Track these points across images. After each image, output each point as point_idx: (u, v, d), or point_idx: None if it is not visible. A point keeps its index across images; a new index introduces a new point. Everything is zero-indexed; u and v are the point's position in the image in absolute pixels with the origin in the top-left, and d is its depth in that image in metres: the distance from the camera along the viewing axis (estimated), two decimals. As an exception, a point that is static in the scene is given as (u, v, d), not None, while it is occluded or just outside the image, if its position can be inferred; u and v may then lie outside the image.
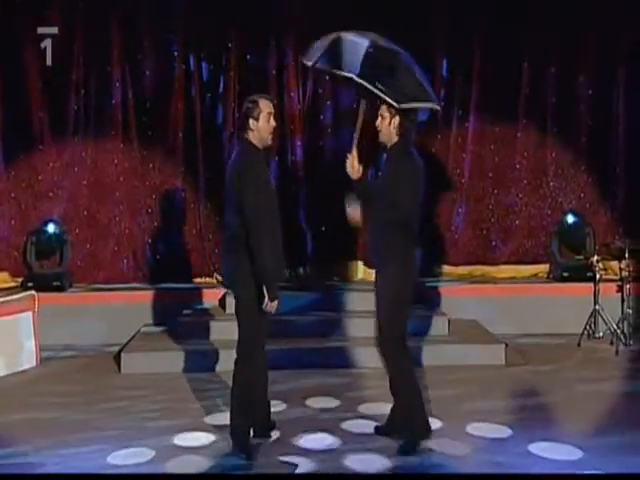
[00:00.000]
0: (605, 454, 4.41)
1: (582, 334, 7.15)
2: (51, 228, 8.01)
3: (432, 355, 6.43)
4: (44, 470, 4.31)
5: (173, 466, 4.36)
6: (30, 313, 6.69)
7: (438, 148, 8.48)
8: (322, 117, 8.48)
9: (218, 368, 6.27)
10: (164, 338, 7.01)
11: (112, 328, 7.34)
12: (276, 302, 4.37)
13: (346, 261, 8.45)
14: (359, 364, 6.32)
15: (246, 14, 8.17)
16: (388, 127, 4.50)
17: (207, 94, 8.52)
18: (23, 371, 6.49)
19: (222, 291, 7.46)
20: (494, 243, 8.55)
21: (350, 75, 4.40)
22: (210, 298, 7.72)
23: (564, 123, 8.42)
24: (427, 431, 4.61)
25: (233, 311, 4.56)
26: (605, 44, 8.23)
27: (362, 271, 8.29)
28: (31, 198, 8.27)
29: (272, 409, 4.88)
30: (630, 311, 7.09)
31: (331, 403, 5.50)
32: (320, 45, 4.54)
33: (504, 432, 4.84)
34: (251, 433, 4.57)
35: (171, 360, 6.43)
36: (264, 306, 4.35)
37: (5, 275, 8.12)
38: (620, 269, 7.18)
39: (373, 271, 4.67)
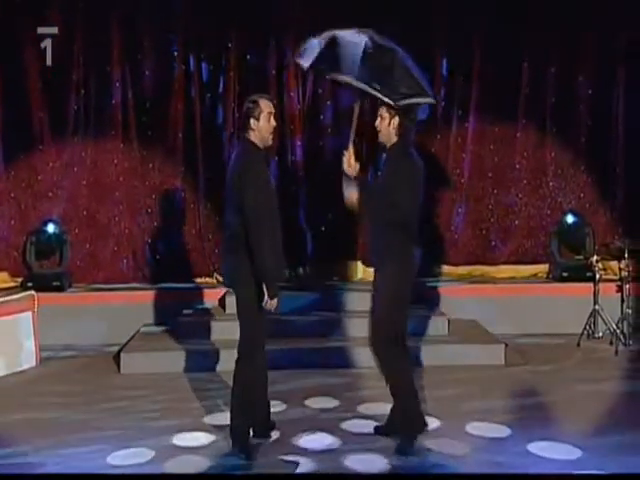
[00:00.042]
0: (604, 454, 4.41)
1: (582, 334, 7.15)
2: (51, 228, 8.01)
3: (432, 355, 6.44)
4: (44, 470, 4.31)
5: (173, 466, 4.36)
6: (30, 313, 6.70)
7: (438, 148, 8.48)
8: (322, 117, 8.48)
9: (218, 368, 6.27)
10: (164, 338, 7.02)
11: (112, 328, 7.35)
12: (276, 300, 4.38)
13: (346, 261, 8.46)
14: (359, 364, 6.32)
15: (246, 14, 8.18)
16: (387, 127, 4.51)
17: (207, 94, 8.52)
18: (23, 371, 6.49)
19: (222, 291, 7.47)
20: (494, 243, 8.55)
21: (349, 80, 4.39)
22: (210, 298, 7.73)
23: (564, 123, 8.42)
24: (423, 426, 4.61)
25: (233, 311, 4.58)
26: (605, 44, 8.23)
27: (362, 271, 8.30)
28: (31, 198, 8.27)
29: (272, 409, 4.89)
30: (630, 311, 7.09)
31: (331, 403, 5.50)
32: (315, 44, 4.48)
33: (503, 432, 4.84)
34: (251, 433, 4.57)
35: (171, 360, 6.43)
36: (264, 304, 4.36)
37: (5, 275, 8.12)
38: (620, 269, 7.19)
39: (372, 271, 4.68)
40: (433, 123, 8.31)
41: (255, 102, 4.47)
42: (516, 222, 8.51)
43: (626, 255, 7.07)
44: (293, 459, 4.41)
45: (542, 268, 8.41)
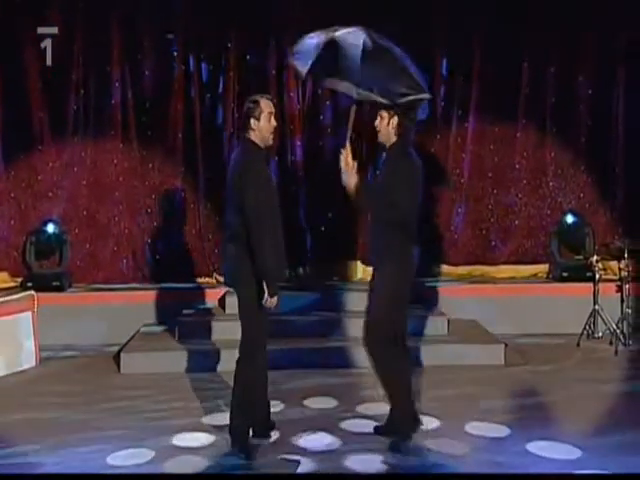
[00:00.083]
0: (604, 454, 4.41)
1: (581, 334, 7.15)
2: (50, 228, 8.01)
3: (431, 355, 6.44)
4: (44, 470, 4.31)
5: (173, 466, 4.36)
6: (29, 313, 6.70)
7: (437, 148, 8.47)
8: (322, 117, 8.48)
9: (218, 368, 6.27)
10: (164, 338, 7.02)
11: (112, 328, 7.35)
12: (276, 298, 4.37)
13: (346, 261, 8.46)
14: (359, 364, 6.31)
15: (246, 14, 8.18)
16: (387, 127, 4.52)
17: (207, 94, 8.53)
18: (23, 371, 6.49)
19: (222, 291, 7.47)
20: (493, 243, 8.55)
21: (347, 90, 4.37)
22: (210, 298, 7.73)
23: (564, 123, 8.42)
24: (417, 425, 4.61)
25: (233, 311, 4.59)
26: (605, 44, 8.23)
27: (362, 271, 8.30)
28: (31, 198, 8.28)
29: (272, 409, 4.89)
30: (629, 311, 7.09)
31: (331, 403, 5.50)
32: (312, 46, 4.40)
33: (503, 431, 4.85)
34: (251, 433, 4.57)
35: (171, 360, 6.43)
36: (264, 302, 4.36)
37: (4, 275, 8.12)
38: (619, 269, 7.18)
39: (372, 270, 4.68)
40: (433, 123, 8.33)
41: (255, 102, 4.47)
42: (516, 222, 8.51)
43: (626, 255, 7.07)
44: (295, 458, 4.41)
45: (542, 268, 8.41)
